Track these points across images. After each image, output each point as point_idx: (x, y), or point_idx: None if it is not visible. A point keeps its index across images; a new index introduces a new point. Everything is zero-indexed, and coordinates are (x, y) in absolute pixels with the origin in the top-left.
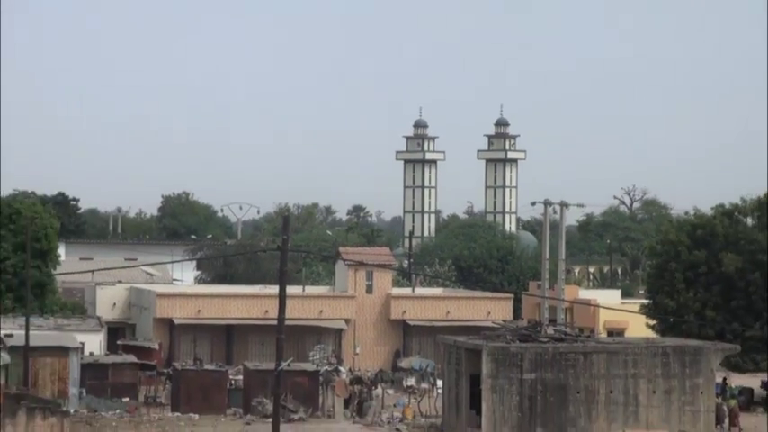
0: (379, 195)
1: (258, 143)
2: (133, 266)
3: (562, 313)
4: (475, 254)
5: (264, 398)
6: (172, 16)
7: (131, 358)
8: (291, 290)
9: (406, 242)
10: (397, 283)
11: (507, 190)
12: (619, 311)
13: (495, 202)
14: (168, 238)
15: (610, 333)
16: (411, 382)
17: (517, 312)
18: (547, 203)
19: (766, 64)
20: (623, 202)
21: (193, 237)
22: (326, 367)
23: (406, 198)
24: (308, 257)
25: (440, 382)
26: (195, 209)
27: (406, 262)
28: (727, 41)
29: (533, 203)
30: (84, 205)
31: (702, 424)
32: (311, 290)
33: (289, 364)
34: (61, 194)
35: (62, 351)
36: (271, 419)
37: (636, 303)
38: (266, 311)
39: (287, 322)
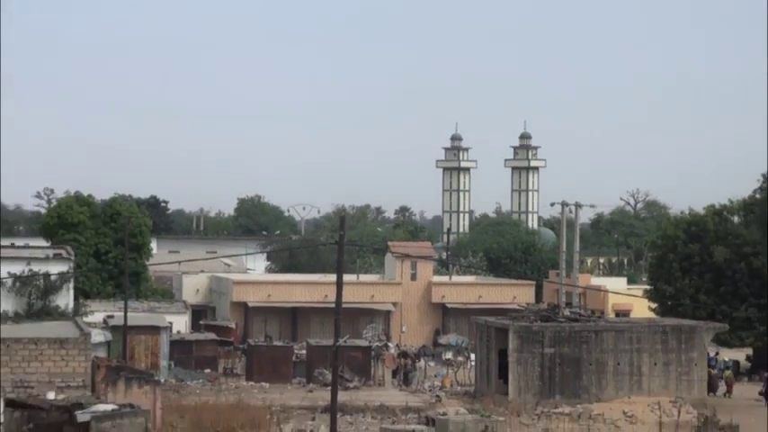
0: (422, 198)
1: (319, 152)
2: (213, 258)
3: (577, 297)
4: (502, 247)
5: (324, 369)
6: (238, 40)
7: (212, 336)
8: (347, 278)
9: (445, 237)
10: (436, 272)
11: (530, 193)
12: (625, 296)
13: (519, 204)
14: (243, 234)
15: (617, 314)
16: (449, 355)
17: (538, 297)
18: (564, 204)
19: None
20: (629, 203)
21: (264, 233)
22: (377, 343)
23: (444, 200)
24: (361, 250)
25: (473, 356)
26: (265, 209)
27: (445, 254)
28: (721, 56)
29: (552, 204)
30: (172, 206)
31: (696, 391)
32: (364, 278)
33: (345, 341)
34: (153, 197)
35: (154, 330)
36: (330, 387)
37: (639, 289)
38: (326, 296)
39: (343, 305)
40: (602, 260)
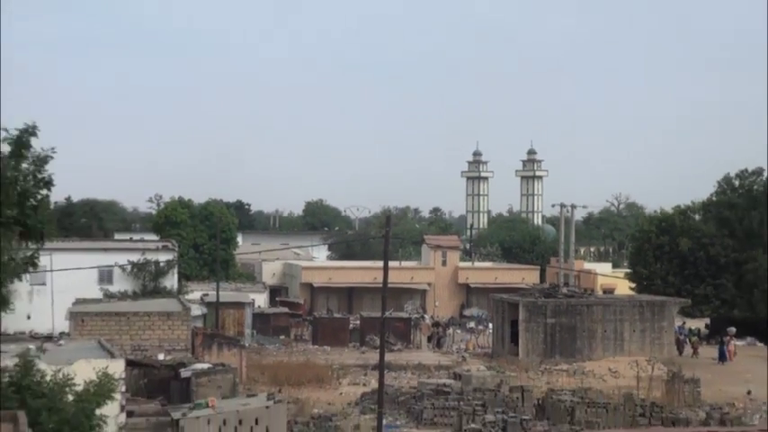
0: (451, 201)
1: (370, 165)
2: (286, 249)
3: (572, 279)
4: (514, 239)
5: (373, 336)
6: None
7: (285, 310)
8: (392, 264)
9: (468, 232)
10: (462, 259)
11: (535, 197)
12: (610, 277)
13: (527, 205)
14: (309, 230)
15: (604, 292)
16: (471, 325)
17: (542, 278)
18: (562, 205)
19: None
20: (613, 204)
21: (326, 229)
22: (415, 315)
23: (467, 202)
24: (403, 242)
25: (490, 325)
26: (327, 210)
27: (468, 245)
28: (692, 80)
29: (553, 205)
30: (254, 208)
31: (666, 352)
32: (405, 264)
33: (390, 313)
34: (239, 201)
35: (240, 305)
36: (378, 350)
37: (621, 272)
38: (375, 278)
39: (389, 285)
40: (592, 249)
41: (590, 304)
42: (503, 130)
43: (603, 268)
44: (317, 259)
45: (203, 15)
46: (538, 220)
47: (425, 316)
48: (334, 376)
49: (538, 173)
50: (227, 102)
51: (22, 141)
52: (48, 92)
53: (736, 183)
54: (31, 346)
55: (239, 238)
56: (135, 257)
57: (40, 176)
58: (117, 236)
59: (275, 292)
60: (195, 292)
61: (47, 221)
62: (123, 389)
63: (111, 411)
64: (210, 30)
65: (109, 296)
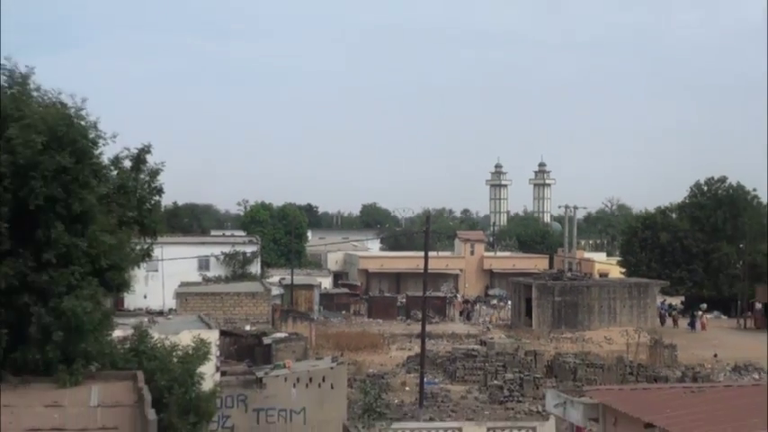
0: (478, 203)
1: (414, 173)
2: (346, 242)
3: (575, 265)
4: (527, 234)
5: (417, 311)
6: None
7: (345, 290)
8: (431, 254)
9: (491, 228)
10: (486, 250)
11: (545, 200)
12: (605, 264)
13: (538, 207)
14: (364, 227)
15: (600, 275)
16: (494, 302)
17: (550, 265)
18: (566, 207)
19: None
20: (607, 206)
21: (378, 226)
22: (449, 294)
23: (491, 205)
24: (440, 236)
25: (509, 302)
26: (379, 211)
27: (491, 239)
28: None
29: (559, 207)
30: (320, 209)
31: (649, 323)
32: (442, 254)
33: (429, 293)
34: (309, 204)
35: (309, 287)
36: (420, 322)
37: (614, 260)
38: (417, 265)
39: (429, 271)
40: (590, 242)
41: (589, 285)
42: (519, 148)
43: (599, 257)
44: (371, 250)
45: (264, 39)
46: (547, 219)
47: (458, 295)
48: (384, 343)
49: (547, 181)
50: (297, 122)
51: (139, 158)
52: (162, 115)
53: (705, 188)
54: (146, 320)
55: (309, 234)
56: (227, 249)
57: (153, 185)
58: (212, 232)
59: (338, 277)
60: (274, 277)
61: (159, 221)
62: (218, 353)
63: (209, 371)
64: (276, 54)
65: (206, 280)
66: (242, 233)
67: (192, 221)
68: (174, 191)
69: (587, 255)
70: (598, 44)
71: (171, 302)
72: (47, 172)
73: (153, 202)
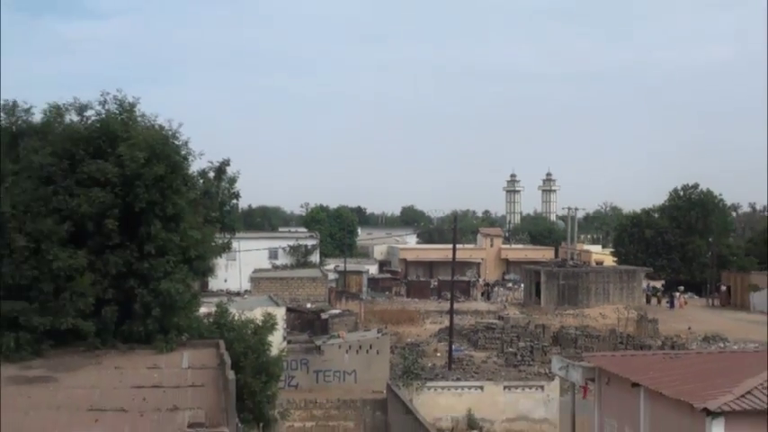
0: (496, 205)
1: (444, 180)
2: (389, 237)
3: (576, 256)
4: (537, 230)
5: (446, 292)
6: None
7: (388, 275)
8: (458, 246)
9: (507, 226)
10: (504, 243)
11: (551, 203)
12: (601, 255)
13: (546, 208)
14: (404, 225)
15: (596, 264)
16: (510, 285)
17: (556, 255)
18: (569, 208)
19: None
20: (603, 207)
21: (415, 224)
22: (473, 279)
23: (507, 207)
24: (465, 232)
25: (522, 285)
26: (415, 212)
27: (507, 234)
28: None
29: (563, 208)
30: (368, 210)
31: (636, 302)
32: (467, 246)
33: (457, 277)
34: (359, 206)
35: (359, 273)
36: (449, 301)
37: (608, 251)
38: (446, 255)
39: (456, 260)
40: (588, 237)
41: (587, 272)
42: (530, 160)
43: (596, 249)
44: (409, 243)
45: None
46: (553, 218)
47: (480, 279)
48: (420, 318)
49: (553, 187)
50: (351, 140)
51: (221, 169)
52: (243, 134)
53: (681, 193)
54: (225, 299)
55: (359, 230)
56: (292, 242)
57: (231, 191)
58: (280, 229)
59: (382, 265)
60: (330, 265)
61: (236, 220)
62: (284, 326)
63: (277, 340)
64: (324, 84)
65: (275, 267)
66: (304, 230)
67: (263, 220)
68: (250, 195)
69: (586, 247)
70: (595, 75)
71: (246, 285)
72: (148, 181)
73: (231, 204)
